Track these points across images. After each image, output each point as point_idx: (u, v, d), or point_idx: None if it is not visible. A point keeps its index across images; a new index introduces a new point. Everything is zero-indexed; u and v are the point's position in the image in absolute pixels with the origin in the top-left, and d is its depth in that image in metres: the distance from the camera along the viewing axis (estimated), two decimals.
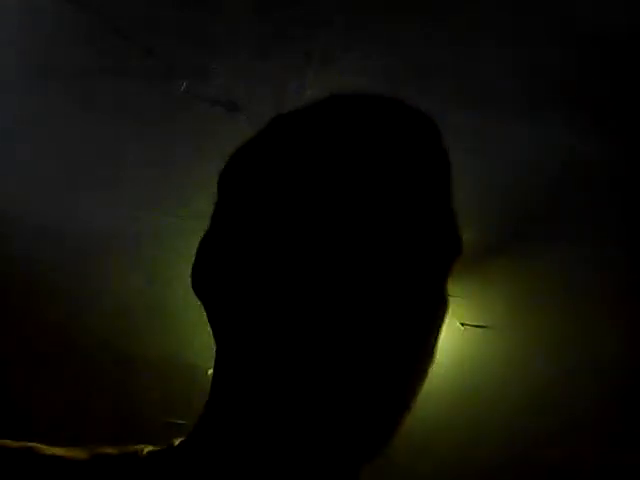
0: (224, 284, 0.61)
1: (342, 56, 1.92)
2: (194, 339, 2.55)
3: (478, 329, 2.70)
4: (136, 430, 3.12)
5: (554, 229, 2.37)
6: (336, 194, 0.56)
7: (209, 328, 0.65)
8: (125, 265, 2.59)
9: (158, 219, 2.42)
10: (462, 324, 2.69)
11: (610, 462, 3.06)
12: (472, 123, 2.08)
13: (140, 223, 2.45)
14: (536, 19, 1.83)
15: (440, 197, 0.60)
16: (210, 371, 0.65)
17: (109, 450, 0.66)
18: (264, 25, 1.89)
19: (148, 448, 0.66)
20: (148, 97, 2.08)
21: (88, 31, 1.92)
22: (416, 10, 1.83)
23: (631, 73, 1.90)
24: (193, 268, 0.64)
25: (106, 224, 2.48)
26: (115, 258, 2.58)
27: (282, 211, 0.58)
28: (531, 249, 2.45)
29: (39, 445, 0.66)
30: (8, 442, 0.65)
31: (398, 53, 1.92)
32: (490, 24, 1.84)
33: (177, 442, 0.66)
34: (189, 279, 0.64)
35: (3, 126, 2.21)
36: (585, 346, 2.72)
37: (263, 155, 0.62)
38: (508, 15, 1.82)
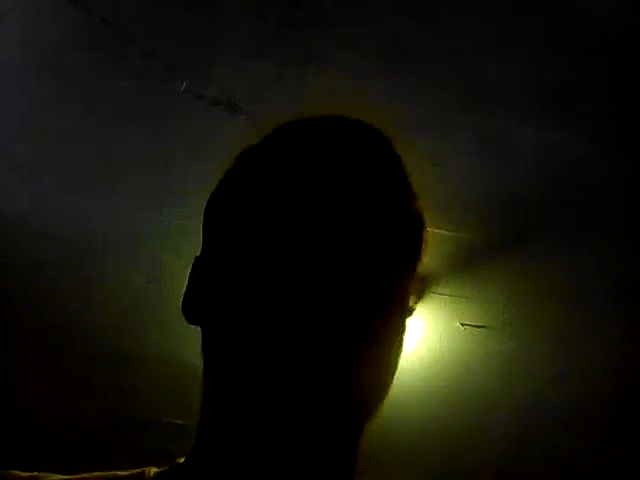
0: (212, 307, 0.67)
1: (342, 56, 1.92)
2: (194, 339, 2.55)
3: (478, 329, 2.70)
4: (136, 430, 3.12)
5: (554, 229, 2.37)
6: (309, 218, 0.64)
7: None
8: (125, 265, 2.59)
9: (158, 219, 2.42)
10: (462, 324, 2.69)
11: (610, 460, 3.06)
12: (472, 123, 2.08)
13: (140, 223, 2.45)
14: (536, 19, 1.83)
15: (397, 207, 0.68)
16: None
17: (116, 473, 0.68)
18: (264, 25, 1.89)
19: (154, 469, 0.68)
20: (148, 97, 2.08)
21: (88, 31, 1.92)
22: (416, 10, 1.83)
23: (631, 73, 1.90)
24: (185, 294, 0.70)
25: (106, 224, 2.48)
26: (115, 258, 2.58)
27: (263, 237, 0.64)
28: (531, 249, 2.45)
29: (46, 474, 0.68)
30: (16, 472, 0.68)
31: (398, 53, 1.92)
32: (490, 25, 1.85)
33: (181, 460, 0.68)
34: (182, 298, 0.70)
35: (3, 126, 2.21)
36: (585, 346, 2.73)
37: (242, 187, 0.69)
38: (508, 16, 1.83)
